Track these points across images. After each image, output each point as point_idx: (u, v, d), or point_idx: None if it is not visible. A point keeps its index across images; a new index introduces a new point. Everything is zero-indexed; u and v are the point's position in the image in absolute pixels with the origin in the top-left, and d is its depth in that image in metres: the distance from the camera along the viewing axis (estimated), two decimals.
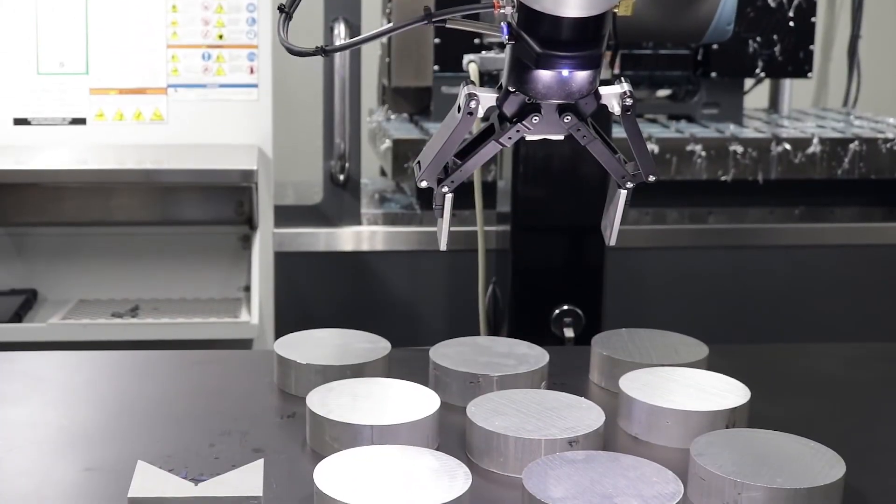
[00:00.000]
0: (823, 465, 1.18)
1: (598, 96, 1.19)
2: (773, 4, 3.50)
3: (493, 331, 2.35)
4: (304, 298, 3.16)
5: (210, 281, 2.90)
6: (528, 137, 1.21)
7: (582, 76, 1.15)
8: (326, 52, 1.24)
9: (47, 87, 2.83)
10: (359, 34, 3.11)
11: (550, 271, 2.24)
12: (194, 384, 1.55)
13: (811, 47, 3.57)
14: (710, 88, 3.56)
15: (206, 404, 1.46)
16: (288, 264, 3.05)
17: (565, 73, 1.15)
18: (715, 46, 3.46)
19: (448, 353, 1.51)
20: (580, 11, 1.10)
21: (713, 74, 3.51)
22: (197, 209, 2.96)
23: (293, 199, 3.42)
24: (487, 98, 1.21)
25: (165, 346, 2.55)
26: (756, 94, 3.91)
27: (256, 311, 2.64)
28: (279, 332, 2.12)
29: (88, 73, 2.85)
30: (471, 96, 1.20)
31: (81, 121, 2.86)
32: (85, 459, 1.27)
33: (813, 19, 3.56)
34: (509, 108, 1.20)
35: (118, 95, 2.86)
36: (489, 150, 1.23)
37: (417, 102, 3.59)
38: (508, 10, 1.16)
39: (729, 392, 1.39)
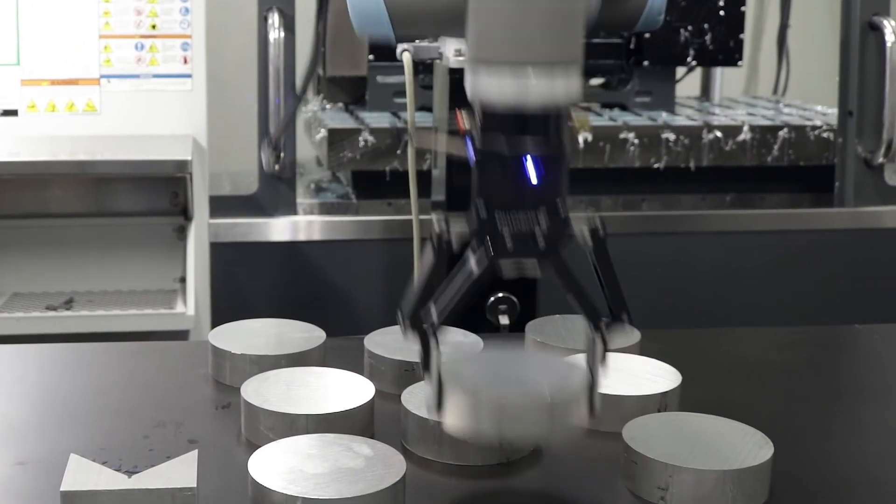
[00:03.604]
0: (752, 447, 1.20)
1: (567, 221, 1.10)
2: None
3: None
4: (240, 289, 3.15)
5: (145, 272, 2.88)
6: (504, 272, 1.10)
7: (546, 175, 1.07)
8: None
9: None
10: (293, 25, 3.11)
11: None
12: (128, 376, 1.54)
13: (741, 36, 3.62)
14: (643, 77, 3.60)
15: (140, 396, 1.45)
16: (224, 255, 3.04)
17: (531, 168, 1.06)
18: (647, 35, 3.50)
19: (383, 342, 1.52)
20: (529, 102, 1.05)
21: (645, 63, 3.55)
22: (131, 200, 2.94)
23: (228, 189, 3.40)
24: (458, 223, 1.11)
25: (101, 338, 2.54)
26: (688, 82, 3.95)
27: (192, 302, 2.63)
28: (215, 323, 2.12)
29: (20, 63, 2.82)
30: (440, 221, 1.10)
31: (13, 112, 2.83)
32: (17, 453, 1.26)
33: (743, 8, 3.61)
34: (476, 227, 1.09)
35: (50, 86, 2.83)
36: (461, 279, 1.10)
37: (353, 92, 3.59)
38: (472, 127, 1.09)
39: (660, 377, 1.41)
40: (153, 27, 2.85)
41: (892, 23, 3.33)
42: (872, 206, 3.40)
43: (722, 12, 3.57)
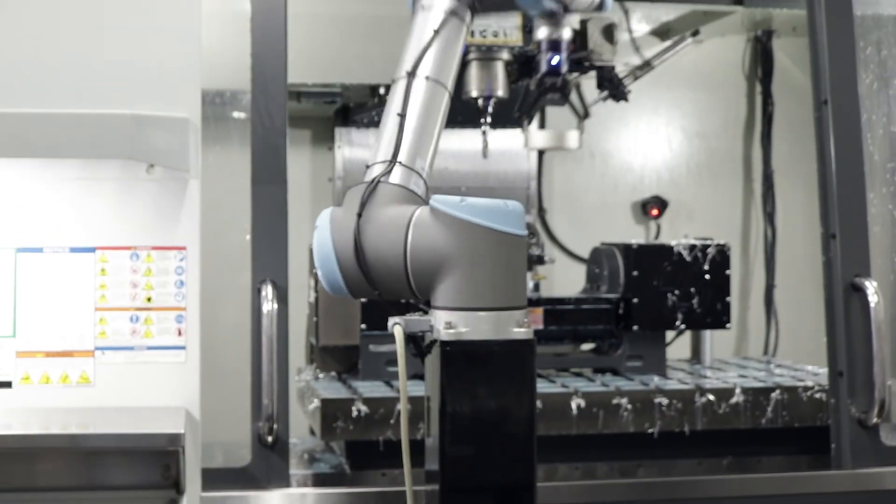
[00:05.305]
0: None
1: None
2: (688, 259, 3.62)
3: None
4: None
5: None
6: None
7: None
8: None
9: None
10: (286, 296, 3.15)
11: None
12: None
13: (728, 299, 3.67)
14: (633, 341, 3.64)
15: None
16: None
17: None
18: (636, 300, 3.56)
19: None
20: None
21: (635, 328, 3.59)
22: (122, 473, 2.89)
23: (221, 460, 3.36)
24: None
25: None
26: (678, 345, 3.99)
27: None
28: None
29: (15, 335, 2.84)
30: None
31: (7, 384, 2.83)
32: None
33: (728, 272, 3.67)
34: None
35: (45, 358, 2.84)
36: None
37: (345, 361, 3.61)
38: None
39: None
40: (148, 300, 2.88)
41: (874, 283, 3.37)
42: (871, 467, 3.36)
43: (708, 276, 3.64)
